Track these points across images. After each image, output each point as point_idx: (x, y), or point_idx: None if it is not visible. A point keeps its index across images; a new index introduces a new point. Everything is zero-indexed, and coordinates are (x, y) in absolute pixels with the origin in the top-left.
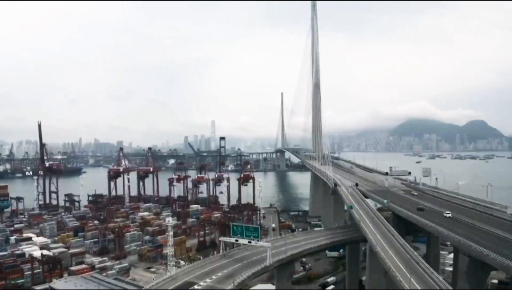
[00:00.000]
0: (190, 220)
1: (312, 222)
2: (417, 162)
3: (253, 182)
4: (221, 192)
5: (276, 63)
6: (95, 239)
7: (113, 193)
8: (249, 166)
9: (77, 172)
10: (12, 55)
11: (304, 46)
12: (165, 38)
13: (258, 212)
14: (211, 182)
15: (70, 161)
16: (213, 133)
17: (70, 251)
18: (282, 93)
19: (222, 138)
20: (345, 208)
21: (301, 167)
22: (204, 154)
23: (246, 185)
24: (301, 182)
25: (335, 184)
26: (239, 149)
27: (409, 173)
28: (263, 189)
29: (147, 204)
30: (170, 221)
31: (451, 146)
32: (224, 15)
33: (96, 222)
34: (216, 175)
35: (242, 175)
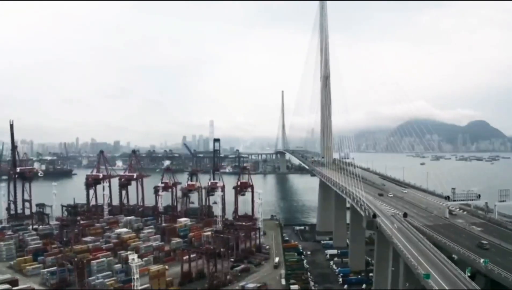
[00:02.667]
0: (175, 241)
1: (322, 242)
2: (421, 164)
3: (252, 191)
4: (214, 202)
5: (275, 62)
6: (54, 268)
7: (94, 201)
8: (247, 171)
9: (67, 174)
10: (9, 55)
11: (309, 40)
12: (161, 37)
13: (258, 230)
14: (203, 191)
15: (60, 163)
16: (212, 133)
17: (15, 288)
18: (282, 92)
19: (216, 140)
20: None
21: (303, 169)
22: (201, 155)
23: (243, 194)
24: (304, 186)
25: (374, 215)
26: (237, 150)
27: (479, 196)
28: (263, 195)
29: (128, 217)
30: (135, 260)
31: (453, 146)
32: (220, 14)
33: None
34: (209, 183)
35: (239, 183)
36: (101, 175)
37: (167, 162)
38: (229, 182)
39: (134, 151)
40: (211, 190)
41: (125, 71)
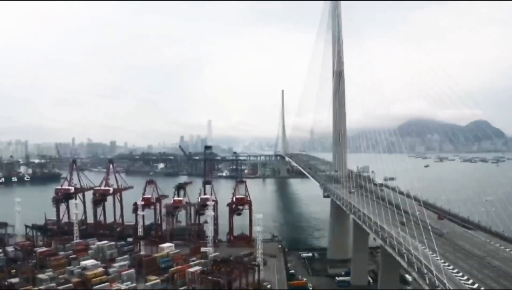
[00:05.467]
0: (151, 281)
1: (337, 278)
2: (426, 166)
3: (250, 209)
4: (205, 221)
5: (274, 62)
6: None
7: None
8: (244, 184)
9: (55, 178)
10: (4, 55)
11: (315, 35)
12: (157, 37)
13: (257, 267)
14: (192, 209)
15: (52, 165)
16: (210, 133)
17: None
18: (282, 91)
19: (207, 147)
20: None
21: (303, 173)
22: (197, 157)
23: (239, 214)
24: (307, 193)
25: None
26: (235, 152)
27: None
28: (261, 204)
29: (100, 243)
30: None
31: (454, 147)
32: (217, 13)
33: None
34: (199, 199)
35: (234, 199)
36: (72, 189)
37: (161, 165)
38: (226, 190)
39: (111, 161)
40: (201, 207)
41: (122, 70)
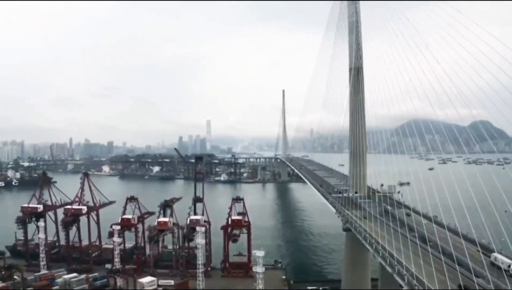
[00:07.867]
0: None
1: None
2: (430, 169)
3: (248, 232)
4: (196, 247)
5: (272, 61)
6: None
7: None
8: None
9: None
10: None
11: (322, 32)
12: (155, 36)
13: None
14: (180, 232)
15: (46, 168)
16: (209, 133)
17: None
18: (283, 91)
19: (198, 158)
20: None
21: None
22: (193, 160)
23: (235, 240)
24: (311, 202)
25: None
26: (233, 155)
27: None
28: (262, 216)
29: (67, 276)
30: None
31: (456, 147)
32: (215, 12)
33: None
34: (188, 221)
35: (229, 222)
36: (40, 207)
37: (156, 168)
38: (223, 197)
39: (86, 174)
40: (190, 231)
41: (120, 70)
